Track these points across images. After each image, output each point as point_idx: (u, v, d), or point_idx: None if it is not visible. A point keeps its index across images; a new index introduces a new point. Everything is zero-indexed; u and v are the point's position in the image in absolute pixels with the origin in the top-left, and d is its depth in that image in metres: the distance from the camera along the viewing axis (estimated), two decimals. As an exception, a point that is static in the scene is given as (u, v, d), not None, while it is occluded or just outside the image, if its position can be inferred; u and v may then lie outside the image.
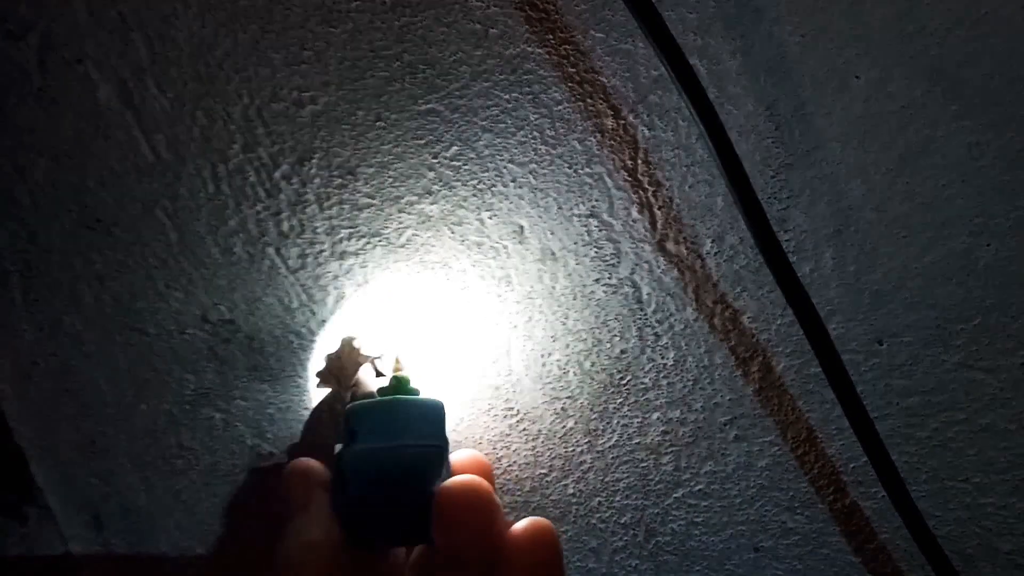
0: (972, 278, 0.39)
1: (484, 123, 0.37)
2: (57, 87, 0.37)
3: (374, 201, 0.38)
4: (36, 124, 0.38)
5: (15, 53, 0.38)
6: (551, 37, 0.36)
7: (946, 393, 0.40)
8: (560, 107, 0.36)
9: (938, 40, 0.36)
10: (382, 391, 0.35)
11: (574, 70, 0.36)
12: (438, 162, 0.37)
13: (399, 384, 0.34)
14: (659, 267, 0.39)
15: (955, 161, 0.37)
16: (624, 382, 0.40)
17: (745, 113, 0.37)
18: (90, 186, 0.38)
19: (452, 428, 0.40)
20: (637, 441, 0.41)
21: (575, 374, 0.40)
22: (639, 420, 0.41)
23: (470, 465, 0.36)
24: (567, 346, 0.39)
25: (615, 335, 0.39)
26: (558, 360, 0.40)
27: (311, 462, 0.35)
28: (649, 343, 0.40)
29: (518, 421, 0.40)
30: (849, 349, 0.40)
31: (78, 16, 0.36)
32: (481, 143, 0.37)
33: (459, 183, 0.37)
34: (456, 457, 0.36)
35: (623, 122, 0.37)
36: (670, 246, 0.38)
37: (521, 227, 0.38)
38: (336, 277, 0.38)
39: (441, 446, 0.32)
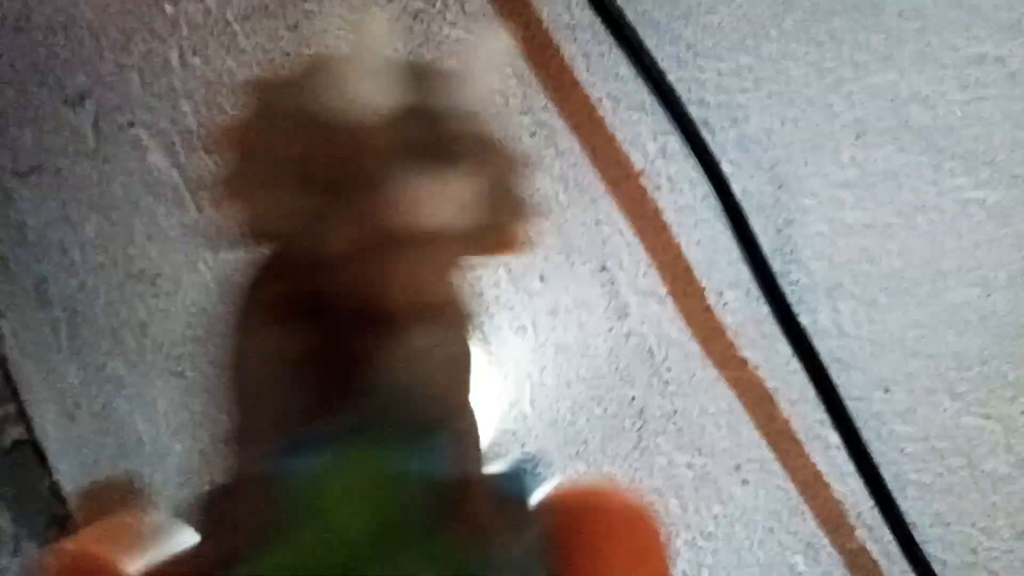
0: (971, 329, 0.40)
1: (503, 184, 0.39)
2: (109, 149, 0.40)
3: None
4: (89, 183, 0.41)
5: (72, 118, 0.41)
6: (568, 105, 0.38)
7: (948, 439, 0.42)
8: (576, 170, 0.39)
9: (932, 105, 0.38)
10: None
11: (589, 136, 0.39)
12: (459, 219, 0.40)
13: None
14: (668, 319, 0.41)
15: (951, 217, 0.39)
16: (634, 427, 0.42)
17: (749, 174, 0.39)
18: (137, 240, 0.40)
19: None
20: (647, 484, 0.43)
21: (587, 420, 0.42)
22: (648, 464, 0.42)
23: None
24: (579, 393, 0.41)
25: (626, 383, 0.41)
26: (570, 406, 0.42)
27: None
28: (658, 390, 0.41)
29: (532, 466, 0.42)
30: (853, 397, 0.41)
31: (131, 85, 0.39)
32: (500, 202, 0.39)
33: (479, 239, 0.40)
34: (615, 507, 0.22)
35: (635, 184, 0.39)
36: (679, 299, 0.40)
37: (537, 280, 0.40)
38: (363, 326, 0.41)
39: None
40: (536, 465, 0.20)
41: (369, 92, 0.21)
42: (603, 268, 0.40)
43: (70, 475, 0.46)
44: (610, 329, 0.41)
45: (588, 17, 0.37)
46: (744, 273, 0.39)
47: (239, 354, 0.22)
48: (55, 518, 0.47)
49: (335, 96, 0.21)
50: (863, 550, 0.43)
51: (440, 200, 0.21)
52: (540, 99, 0.38)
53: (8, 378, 0.46)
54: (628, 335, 0.41)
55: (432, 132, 0.21)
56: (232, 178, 0.22)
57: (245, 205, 0.21)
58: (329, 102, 0.21)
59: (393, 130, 0.21)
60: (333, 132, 0.21)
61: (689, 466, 0.42)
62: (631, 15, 0.36)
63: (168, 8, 0.41)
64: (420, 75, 0.22)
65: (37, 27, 0.41)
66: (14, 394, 0.46)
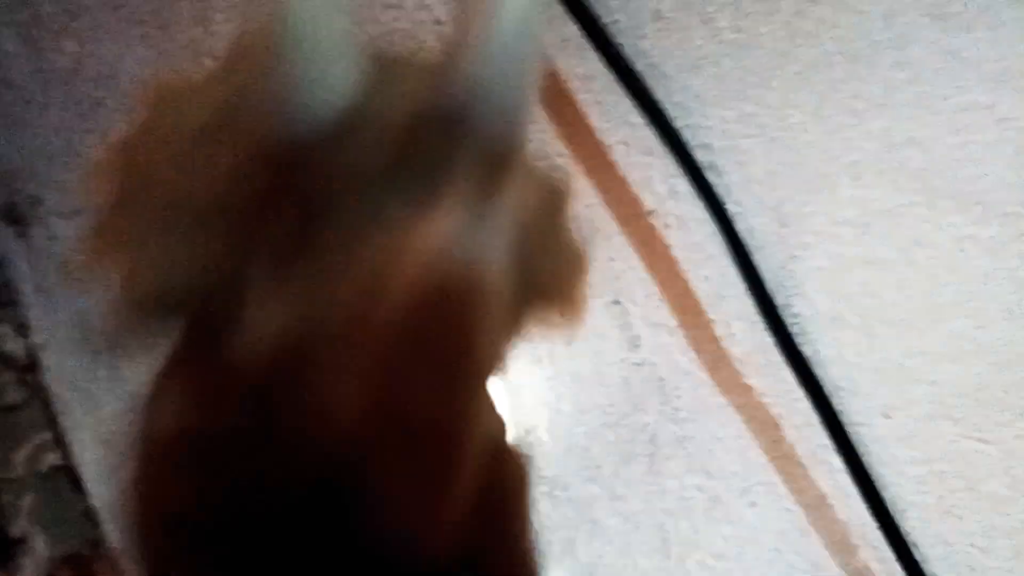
0: (968, 357, 0.42)
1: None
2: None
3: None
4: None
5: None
6: (583, 150, 0.41)
7: (948, 463, 0.44)
8: (590, 210, 0.41)
9: (925, 148, 0.40)
10: None
11: (602, 178, 0.41)
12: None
13: None
14: (678, 349, 0.43)
15: (946, 253, 0.41)
16: (646, 452, 0.44)
17: (753, 213, 0.41)
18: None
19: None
20: (658, 506, 0.45)
21: (601, 445, 0.44)
22: (660, 487, 0.44)
23: None
24: (594, 420, 0.43)
25: (638, 410, 0.43)
26: (585, 432, 0.44)
27: None
28: (669, 417, 0.44)
29: (550, 489, 0.44)
30: (855, 422, 0.43)
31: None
32: (518, 241, 0.42)
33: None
34: None
35: (645, 223, 0.41)
36: (688, 330, 0.43)
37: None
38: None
39: None
40: None
41: (316, 95, 0.12)
42: (616, 302, 0.42)
43: (104, 497, 0.48)
44: (623, 359, 0.43)
45: (600, 68, 0.39)
46: (749, 306, 0.41)
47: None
48: (89, 542, 0.49)
49: (264, 100, 0.13)
50: (867, 569, 0.45)
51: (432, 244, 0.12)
52: (556, 144, 0.41)
53: (47, 407, 0.48)
54: (640, 365, 0.43)
55: (415, 148, 0.13)
56: (111, 222, 0.14)
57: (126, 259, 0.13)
58: (256, 109, 0.13)
59: (354, 149, 0.13)
60: (260, 155, 0.13)
61: (699, 489, 0.44)
62: (641, 67, 0.39)
63: (207, 62, 0.44)
64: (389, 68, 0.14)
65: (85, 80, 0.44)
66: (52, 422, 0.48)
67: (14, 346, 0.49)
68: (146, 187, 0.15)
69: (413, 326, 0.13)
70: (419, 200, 0.14)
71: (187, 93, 0.16)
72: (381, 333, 0.13)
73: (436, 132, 0.14)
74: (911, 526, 0.44)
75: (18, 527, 0.46)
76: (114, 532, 0.49)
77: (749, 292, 0.41)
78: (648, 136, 0.39)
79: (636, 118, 0.39)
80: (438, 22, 0.41)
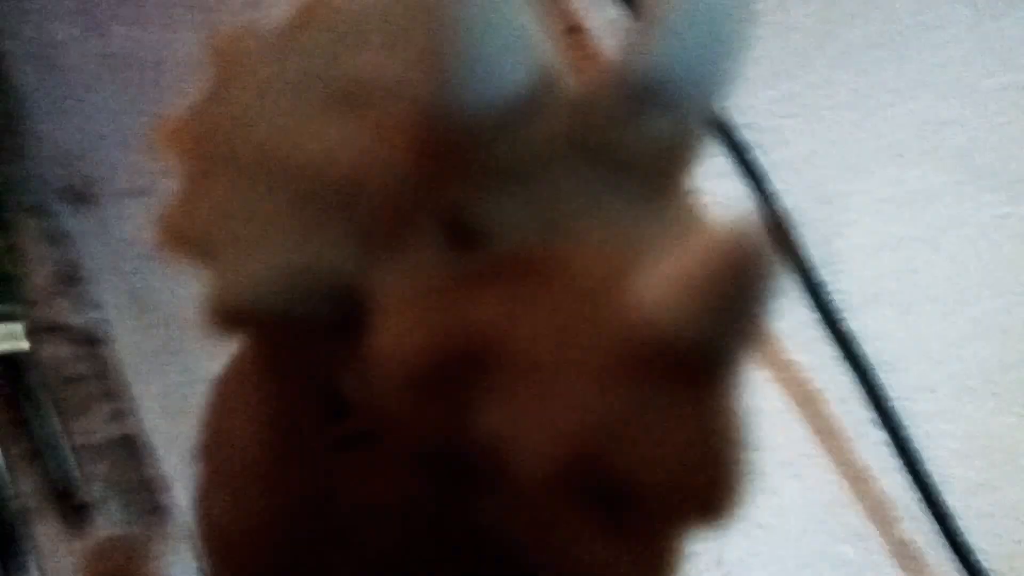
0: (1006, 333, 0.44)
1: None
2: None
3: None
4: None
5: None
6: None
7: (987, 436, 0.45)
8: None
9: (963, 129, 0.42)
10: None
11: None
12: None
13: None
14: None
15: (982, 231, 0.42)
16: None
17: (796, 191, 0.43)
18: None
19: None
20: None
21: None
22: (706, 459, 0.46)
23: None
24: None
25: (684, 383, 0.45)
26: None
27: None
28: (714, 390, 0.45)
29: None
30: (896, 397, 0.44)
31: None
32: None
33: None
34: None
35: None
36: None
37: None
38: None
39: None
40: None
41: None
42: (663, 278, 0.44)
43: (174, 463, 0.50)
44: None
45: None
46: (793, 282, 0.43)
47: None
48: (157, 507, 0.51)
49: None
50: (908, 541, 0.45)
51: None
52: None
53: (113, 378, 0.50)
54: (686, 339, 0.44)
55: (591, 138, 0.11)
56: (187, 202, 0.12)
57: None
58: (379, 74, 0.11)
59: (520, 136, 0.11)
60: (403, 126, 0.11)
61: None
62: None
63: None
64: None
65: (135, 64, 0.46)
66: (117, 393, 0.51)
67: (79, 320, 0.51)
68: (241, 156, 0.12)
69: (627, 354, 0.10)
70: (597, 199, 0.11)
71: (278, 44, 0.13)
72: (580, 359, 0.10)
73: (615, 120, 0.11)
74: (951, 498, 0.45)
75: (91, 493, 0.48)
76: (179, 499, 0.51)
77: (792, 268, 0.42)
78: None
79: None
80: None
